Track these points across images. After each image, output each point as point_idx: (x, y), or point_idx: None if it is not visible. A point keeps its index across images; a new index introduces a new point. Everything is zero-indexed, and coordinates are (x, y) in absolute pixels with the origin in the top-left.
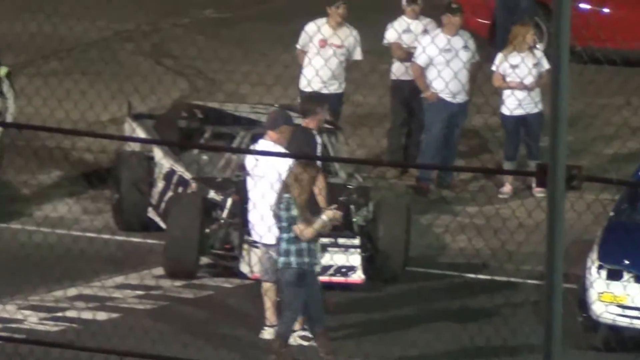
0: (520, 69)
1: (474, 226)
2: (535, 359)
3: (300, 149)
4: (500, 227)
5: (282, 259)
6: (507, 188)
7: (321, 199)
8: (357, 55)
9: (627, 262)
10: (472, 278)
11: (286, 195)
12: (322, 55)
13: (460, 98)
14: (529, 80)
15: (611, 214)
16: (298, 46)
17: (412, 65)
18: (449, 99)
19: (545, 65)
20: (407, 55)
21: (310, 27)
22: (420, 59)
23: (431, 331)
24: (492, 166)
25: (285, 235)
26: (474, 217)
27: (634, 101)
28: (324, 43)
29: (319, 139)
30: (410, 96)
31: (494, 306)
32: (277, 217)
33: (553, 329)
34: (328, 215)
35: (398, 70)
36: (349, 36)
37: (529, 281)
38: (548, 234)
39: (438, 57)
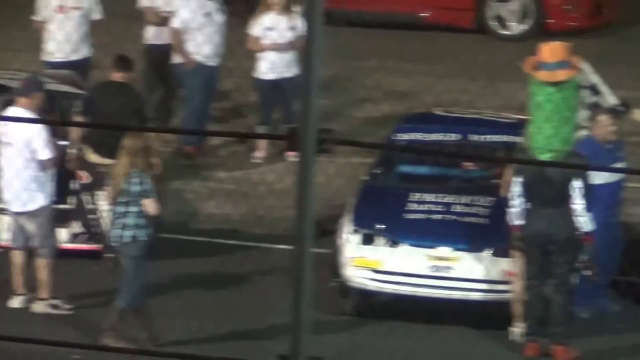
0: (275, 32)
1: (224, 191)
2: (285, 323)
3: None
4: (251, 192)
5: (128, 233)
6: (260, 153)
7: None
8: (96, 14)
9: (380, 226)
10: (222, 244)
11: (134, 169)
12: (62, 21)
13: (214, 61)
14: (283, 43)
15: (365, 177)
16: (36, 17)
17: (170, 30)
18: (205, 63)
19: (302, 28)
20: (161, 20)
21: None
22: (176, 22)
23: (183, 298)
24: (244, 130)
25: (134, 209)
26: (224, 183)
27: (387, 64)
28: (60, 9)
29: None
30: (163, 61)
31: (244, 272)
32: (127, 192)
33: (303, 294)
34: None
35: (151, 34)
36: None
37: (280, 246)
38: (298, 198)
39: (193, 21)
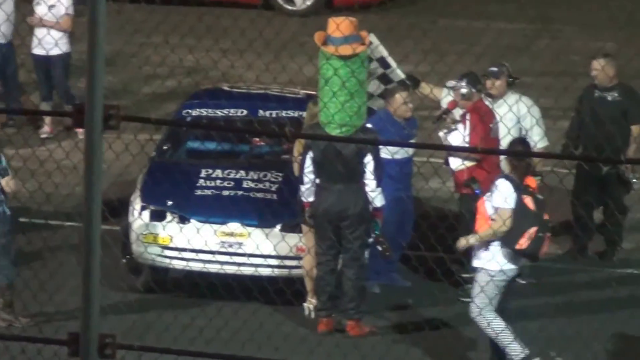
0: (40, 7)
1: (11, 169)
2: (76, 302)
3: None
4: (38, 169)
5: None
6: (47, 129)
7: None
8: None
9: (169, 202)
10: None
11: None
12: None
13: (5, 39)
14: (48, 20)
15: (153, 154)
16: None
17: None
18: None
19: (63, 9)
20: None
21: None
22: None
23: None
24: (29, 108)
25: None
26: (12, 160)
27: (172, 39)
28: None
29: None
30: None
31: (34, 250)
32: None
33: (92, 272)
34: None
35: None
36: None
37: (69, 223)
38: (85, 174)
39: None
